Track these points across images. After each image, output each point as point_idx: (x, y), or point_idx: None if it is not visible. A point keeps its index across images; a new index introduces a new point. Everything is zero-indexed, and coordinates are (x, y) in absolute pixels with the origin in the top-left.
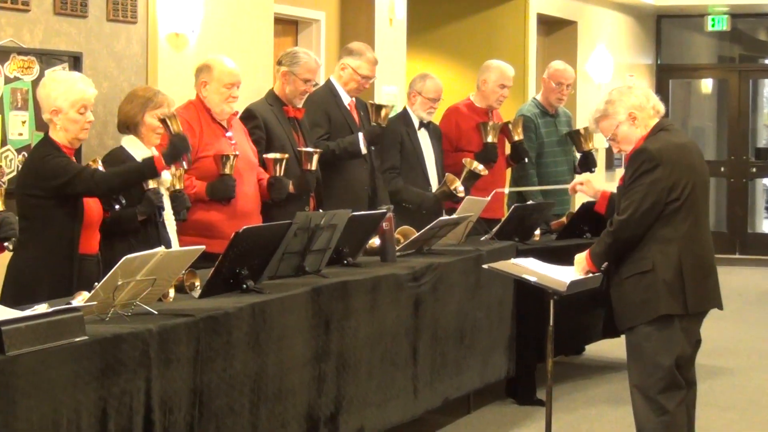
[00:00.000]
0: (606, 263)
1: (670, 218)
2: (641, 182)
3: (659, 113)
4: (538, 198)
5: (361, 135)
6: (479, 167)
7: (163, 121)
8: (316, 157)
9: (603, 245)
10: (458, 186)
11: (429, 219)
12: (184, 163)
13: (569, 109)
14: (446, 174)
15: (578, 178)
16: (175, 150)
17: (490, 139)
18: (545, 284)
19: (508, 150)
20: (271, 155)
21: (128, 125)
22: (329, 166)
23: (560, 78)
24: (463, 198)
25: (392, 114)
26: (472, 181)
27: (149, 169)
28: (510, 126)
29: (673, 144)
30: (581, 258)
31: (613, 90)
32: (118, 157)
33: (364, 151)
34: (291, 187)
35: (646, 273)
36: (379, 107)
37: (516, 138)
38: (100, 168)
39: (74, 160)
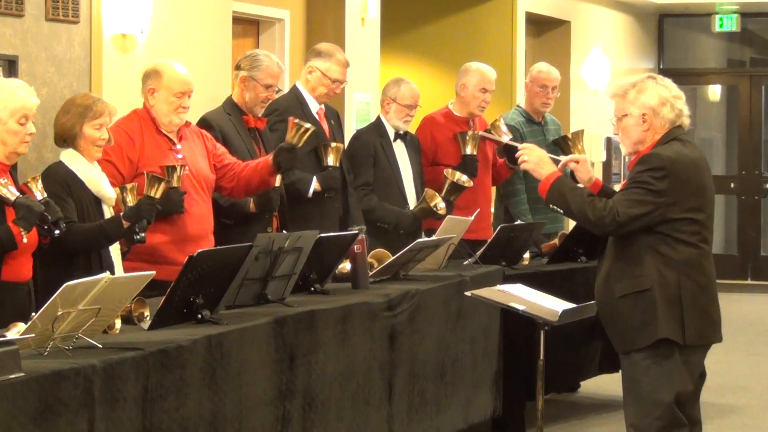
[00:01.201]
0: (557, 208)
1: (671, 238)
2: (644, 186)
3: (673, 125)
4: (528, 217)
5: (315, 179)
6: (462, 178)
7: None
8: (340, 150)
9: (582, 208)
10: (439, 203)
11: (406, 241)
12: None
13: (561, 117)
14: (425, 189)
15: (574, 155)
16: (139, 213)
17: (468, 150)
18: (535, 314)
19: (494, 157)
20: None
21: (66, 138)
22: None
23: (544, 80)
24: (444, 215)
25: (361, 113)
26: (455, 194)
27: (7, 237)
28: (490, 129)
29: (686, 158)
30: (546, 167)
31: (648, 78)
32: (56, 171)
33: (309, 195)
34: (252, 206)
35: (645, 292)
36: (326, 146)
37: (505, 139)
38: (38, 190)
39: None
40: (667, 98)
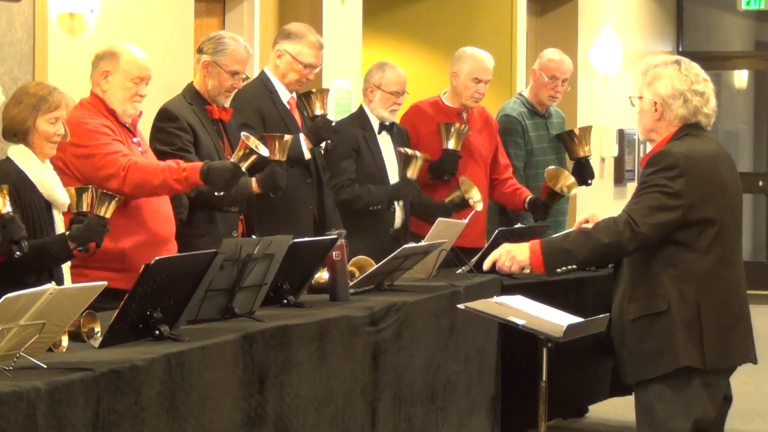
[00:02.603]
0: (567, 267)
1: (689, 249)
2: (659, 189)
3: (686, 122)
4: (528, 220)
5: (302, 136)
6: (475, 197)
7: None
8: (288, 142)
9: (590, 244)
10: (475, 195)
11: (392, 247)
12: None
13: (567, 107)
14: (461, 178)
15: (585, 214)
16: (88, 234)
17: (451, 144)
18: (536, 329)
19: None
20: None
21: (16, 132)
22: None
23: (554, 71)
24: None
25: (341, 103)
26: (458, 209)
27: (62, 249)
28: (574, 136)
29: (702, 153)
30: (520, 247)
31: (675, 62)
32: (6, 172)
33: (307, 155)
34: (254, 185)
35: (661, 315)
36: (309, 95)
37: (582, 153)
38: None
39: None
40: (682, 91)
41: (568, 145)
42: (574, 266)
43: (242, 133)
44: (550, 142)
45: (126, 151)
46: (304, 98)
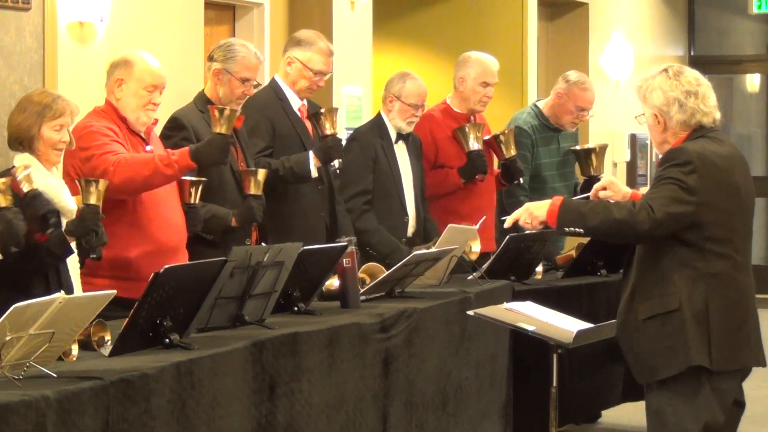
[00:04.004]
0: (575, 229)
1: (699, 249)
2: (677, 183)
3: (701, 130)
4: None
5: (311, 153)
6: (475, 248)
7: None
8: (262, 178)
9: (604, 215)
10: (475, 245)
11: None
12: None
13: None
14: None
15: (601, 181)
16: (83, 225)
17: (472, 145)
18: (546, 335)
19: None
20: (186, 177)
21: (21, 140)
22: (273, 188)
23: (584, 103)
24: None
25: (352, 109)
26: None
27: (60, 245)
28: (500, 140)
29: (715, 155)
30: (541, 204)
31: (661, 71)
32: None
33: (314, 174)
34: (233, 220)
35: (672, 313)
36: (318, 115)
37: (507, 155)
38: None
39: None
40: (675, 97)
41: (583, 162)
42: (580, 231)
43: (209, 106)
44: (562, 156)
45: (120, 151)
46: (314, 118)
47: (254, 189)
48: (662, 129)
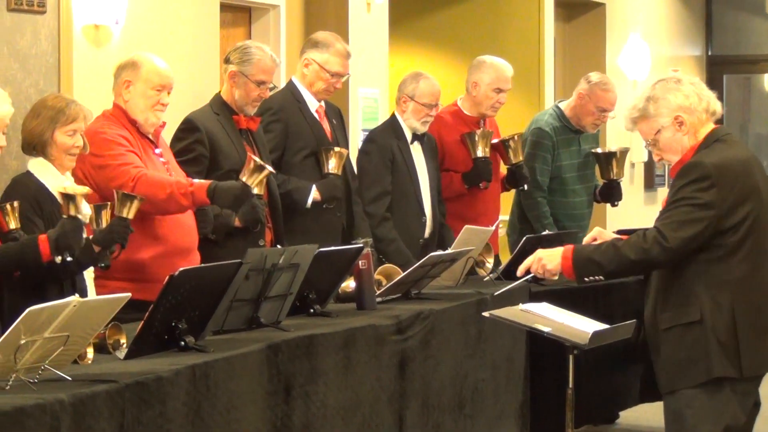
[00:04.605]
0: (596, 277)
1: (723, 256)
2: (689, 202)
3: (714, 116)
4: (554, 230)
5: (314, 188)
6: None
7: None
8: (264, 177)
9: (618, 260)
10: (487, 258)
11: (421, 256)
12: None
13: None
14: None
15: (590, 234)
16: (111, 237)
17: (480, 152)
18: (562, 336)
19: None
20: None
21: (35, 145)
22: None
23: (606, 104)
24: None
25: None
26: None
27: (31, 253)
28: (509, 145)
29: (733, 160)
30: (553, 254)
31: (657, 83)
32: (25, 185)
33: (308, 205)
34: (236, 221)
35: (693, 324)
36: (326, 151)
37: (515, 160)
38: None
39: None
40: (691, 91)
41: (603, 165)
42: (601, 278)
43: (249, 154)
44: (583, 158)
45: (138, 164)
46: (324, 152)
47: (257, 189)
48: (685, 132)
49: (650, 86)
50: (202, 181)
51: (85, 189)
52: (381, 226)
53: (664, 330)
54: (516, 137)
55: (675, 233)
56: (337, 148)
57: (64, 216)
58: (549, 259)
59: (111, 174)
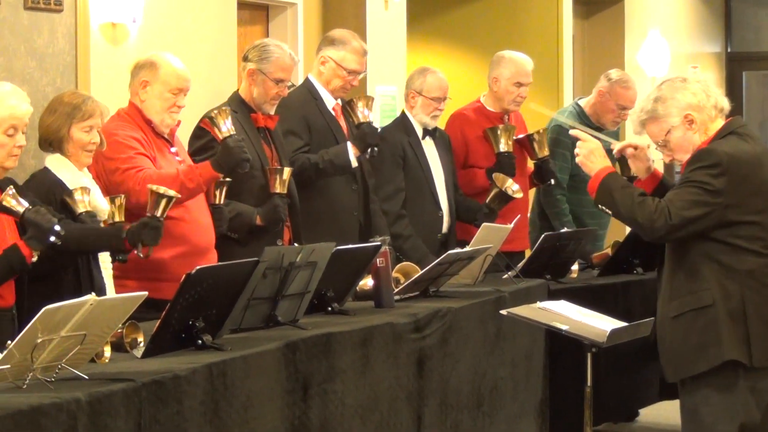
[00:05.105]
0: (606, 209)
1: (731, 246)
2: (699, 185)
3: (722, 112)
4: (572, 226)
5: (349, 144)
6: (513, 187)
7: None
8: (287, 176)
9: (629, 210)
10: (512, 185)
11: (440, 252)
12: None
13: None
14: (494, 174)
15: (632, 140)
16: (141, 233)
17: (502, 147)
18: (580, 334)
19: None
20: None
21: (51, 141)
22: (309, 186)
23: (626, 102)
24: (486, 205)
25: (387, 109)
26: (501, 204)
27: (16, 259)
28: (534, 139)
29: (746, 153)
30: (597, 163)
31: (663, 84)
32: (41, 181)
33: (354, 163)
34: (258, 219)
35: (706, 309)
36: (351, 102)
37: (540, 155)
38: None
39: None
40: (698, 90)
41: (622, 162)
42: (609, 212)
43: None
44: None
45: (146, 166)
46: (348, 106)
47: (279, 187)
48: (696, 130)
49: (656, 87)
50: (203, 162)
51: (176, 194)
52: (396, 224)
53: (674, 317)
54: (541, 131)
55: (679, 211)
56: (358, 97)
57: (148, 214)
58: (594, 160)
59: (118, 179)
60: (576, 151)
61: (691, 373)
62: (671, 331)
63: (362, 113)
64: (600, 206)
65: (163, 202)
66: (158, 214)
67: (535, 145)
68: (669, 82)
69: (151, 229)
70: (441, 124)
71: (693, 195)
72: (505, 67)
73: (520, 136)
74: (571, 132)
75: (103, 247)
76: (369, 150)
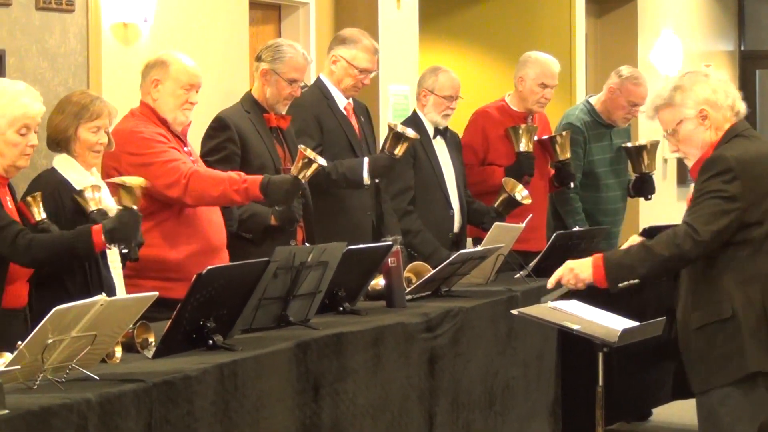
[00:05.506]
0: (630, 282)
1: (749, 249)
2: (716, 194)
3: (738, 116)
4: (585, 227)
5: (366, 161)
6: (522, 193)
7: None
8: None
9: (650, 260)
10: (521, 190)
11: (452, 250)
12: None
13: None
14: (504, 179)
15: (562, 268)
16: (122, 228)
17: (523, 146)
18: (591, 334)
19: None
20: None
21: (59, 141)
22: (320, 188)
23: (637, 99)
24: (494, 208)
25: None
26: (508, 209)
27: (84, 246)
28: (556, 141)
29: (755, 153)
30: (583, 264)
31: (685, 74)
32: (46, 181)
33: (367, 181)
34: (272, 219)
35: (726, 321)
36: (399, 136)
37: (561, 157)
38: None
39: (2, 202)
40: (719, 88)
41: (634, 159)
42: (636, 282)
43: (300, 145)
44: (615, 152)
45: (185, 160)
46: (391, 131)
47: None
48: (708, 126)
49: (678, 76)
50: (254, 176)
51: (143, 181)
52: (404, 219)
53: (696, 329)
54: (564, 133)
55: (706, 226)
56: (412, 133)
57: (119, 207)
58: (580, 269)
59: (158, 171)
60: (564, 282)
61: (715, 384)
62: (695, 343)
63: (397, 146)
64: (620, 285)
65: (314, 166)
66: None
67: (557, 147)
68: (691, 74)
69: (130, 220)
70: (461, 121)
71: (713, 207)
72: (531, 68)
73: (544, 137)
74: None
75: (77, 252)
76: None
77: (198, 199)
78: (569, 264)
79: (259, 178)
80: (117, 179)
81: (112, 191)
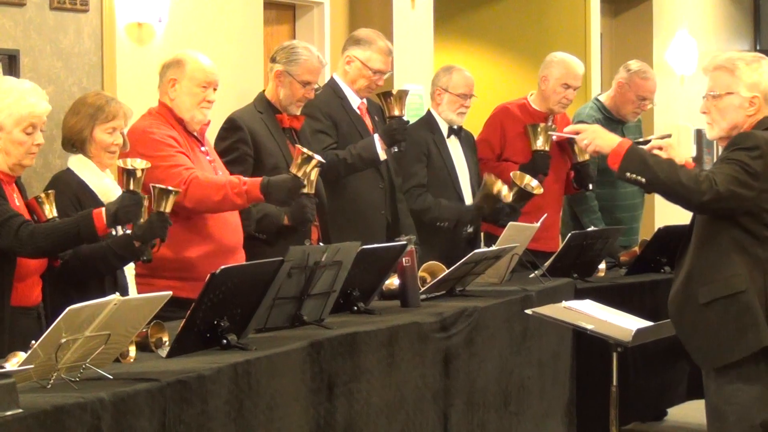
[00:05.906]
0: (638, 177)
1: (757, 236)
2: (742, 165)
3: None
4: (601, 227)
5: (377, 137)
6: (532, 183)
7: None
8: (315, 176)
9: (669, 172)
10: (502, 189)
11: (463, 252)
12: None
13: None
14: (484, 175)
15: (656, 142)
16: (124, 210)
17: (540, 144)
18: (605, 334)
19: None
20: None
21: (74, 142)
22: (337, 185)
23: (646, 93)
24: (508, 204)
25: (413, 107)
26: (521, 202)
27: (87, 231)
28: (575, 142)
29: None
30: (608, 138)
31: (764, 59)
32: (66, 182)
33: (383, 156)
34: (285, 219)
35: (739, 295)
36: (388, 95)
37: (581, 158)
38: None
39: (8, 198)
40: None
41: None
42: (642, 180)
43: (296, 145)
44: None
45: (189, 165)
46: (383, 98)
47: (307, 188)
48: (752, 113)
49: (756, 54)
50: (254, 178)
51: (146, 163)
52: (417, 201)
53: (705, 304)
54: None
55: (727, 184)
56: (394, 90)
57: (123, 190)
58: (603, 138)
59: (162, 175)
60: (579, 138)
61: (731, 359)
62: (704, 318)
63: (396, 108)
64: (628, 174)
65: (313, 162)
66: (163, 208)
67: (577, 149)
68: (762, 58)
69: (160, 224)
70: (474, 121)
71: (737, 173)
72: (555, 68)
73: (553, 126)
74: (554, 137)
75: (121, 259)
76: (396, 145)
77: (198, 204)
78: (596, 128)
79: (258, 180)
80: (119, 161)
81: (119, 178)
